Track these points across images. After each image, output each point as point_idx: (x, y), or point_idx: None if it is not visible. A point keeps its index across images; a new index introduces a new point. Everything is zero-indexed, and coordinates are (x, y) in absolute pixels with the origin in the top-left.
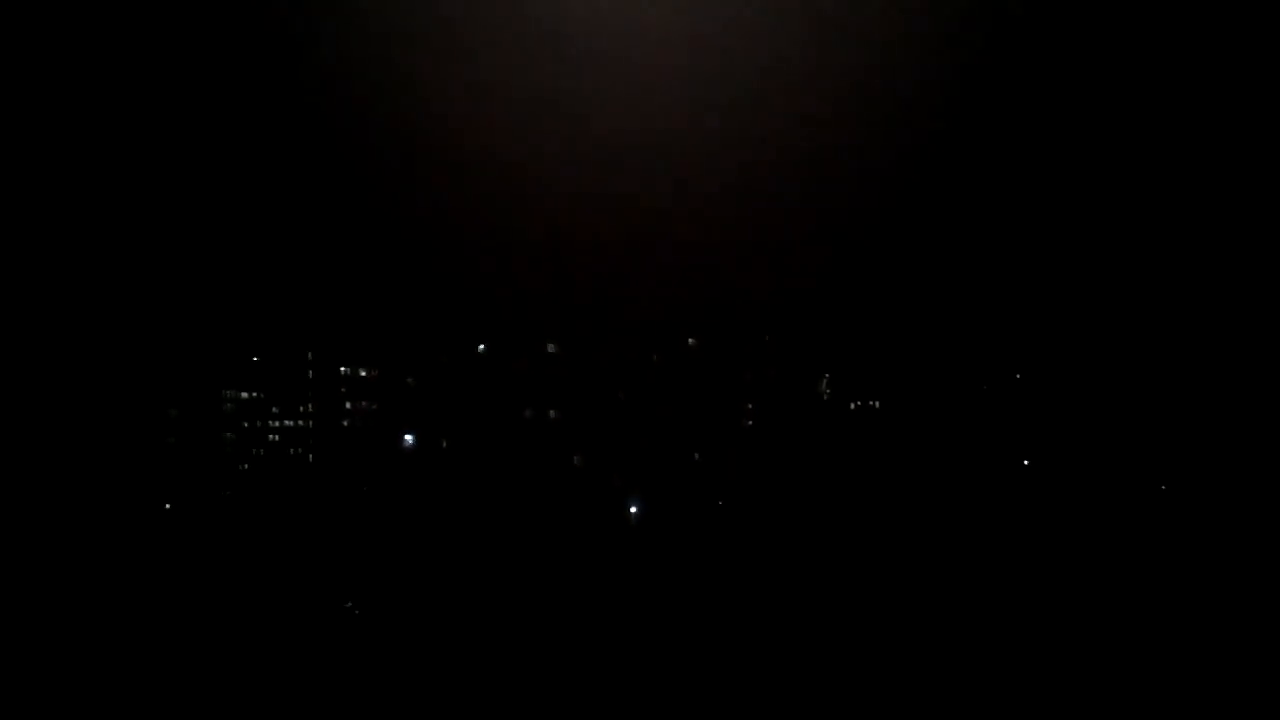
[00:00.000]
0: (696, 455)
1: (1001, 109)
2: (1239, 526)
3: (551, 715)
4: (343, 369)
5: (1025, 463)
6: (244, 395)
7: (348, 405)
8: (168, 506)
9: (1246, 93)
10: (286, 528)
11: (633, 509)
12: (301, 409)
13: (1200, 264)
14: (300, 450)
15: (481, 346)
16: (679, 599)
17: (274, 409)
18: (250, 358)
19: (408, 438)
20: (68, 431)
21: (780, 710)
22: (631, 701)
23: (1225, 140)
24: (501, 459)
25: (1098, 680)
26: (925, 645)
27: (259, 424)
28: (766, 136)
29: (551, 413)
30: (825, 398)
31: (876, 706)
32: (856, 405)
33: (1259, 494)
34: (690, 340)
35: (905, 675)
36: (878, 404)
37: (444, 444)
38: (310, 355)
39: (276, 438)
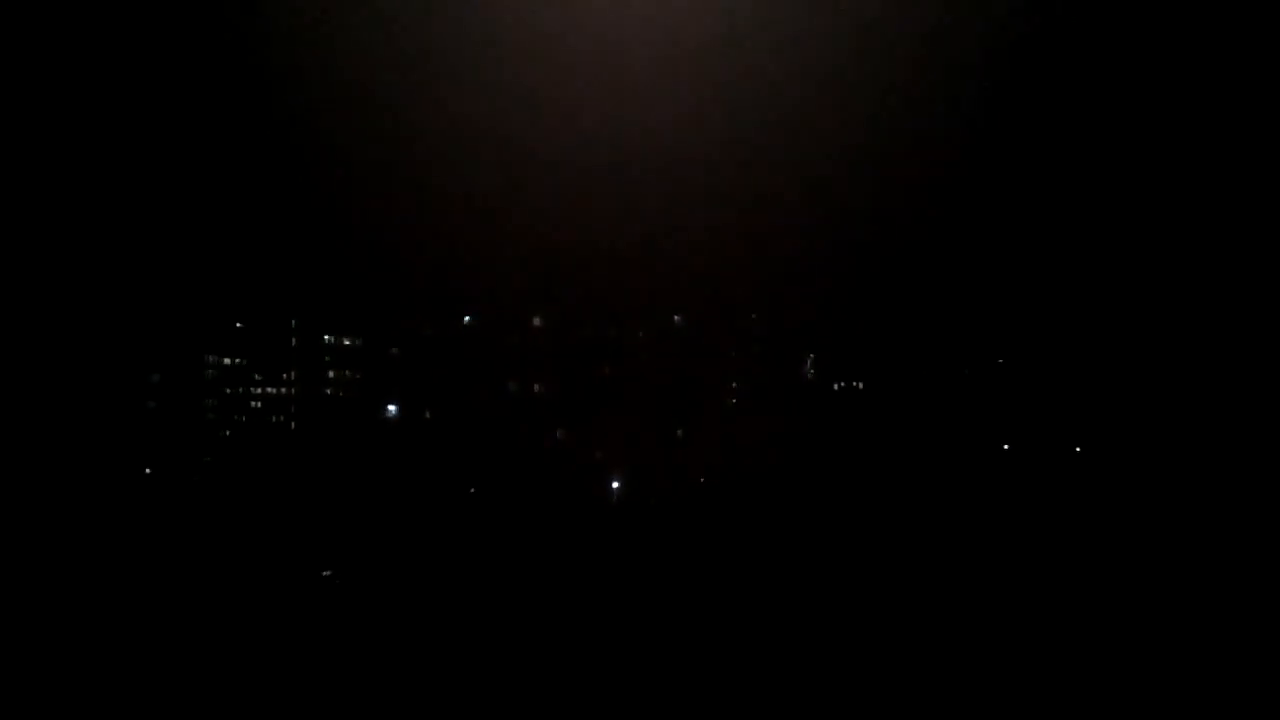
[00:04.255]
0: (680, 432)
1: (986, 103)
2: (1216, 514)
3: (532, 688)
4: (326, 337)
5: (1005, 447)
6: (226, 361)
7: (330, 374)
8: (148, 471)
9: (1243, 93)
10: (267, 495)
11: (615, 484)
12: (284, 376)
13: (1178, 256)
14: (282, 418)
15: (467, 318)
16: (660, 574)
17: (256, 376)
18: (233, 323)
19: (390, 408)
20: (49, 395)
21: (761, 686)
22: (613, 674)
23: (1188, 137)
24: (485, 431)
25: (1066, 664)
26: (906, 623)
27: (241, 390)
28: (755, 122)
29: (536, 386)
30: (809, 378)
31: (857, 687)
32: (840, 386)
33: (1234, 482)
34: (676, 318)
35: (884, 652)
36: (861, 385)
37: (427, 415)
38: (294, 322)
39: (258, 405)
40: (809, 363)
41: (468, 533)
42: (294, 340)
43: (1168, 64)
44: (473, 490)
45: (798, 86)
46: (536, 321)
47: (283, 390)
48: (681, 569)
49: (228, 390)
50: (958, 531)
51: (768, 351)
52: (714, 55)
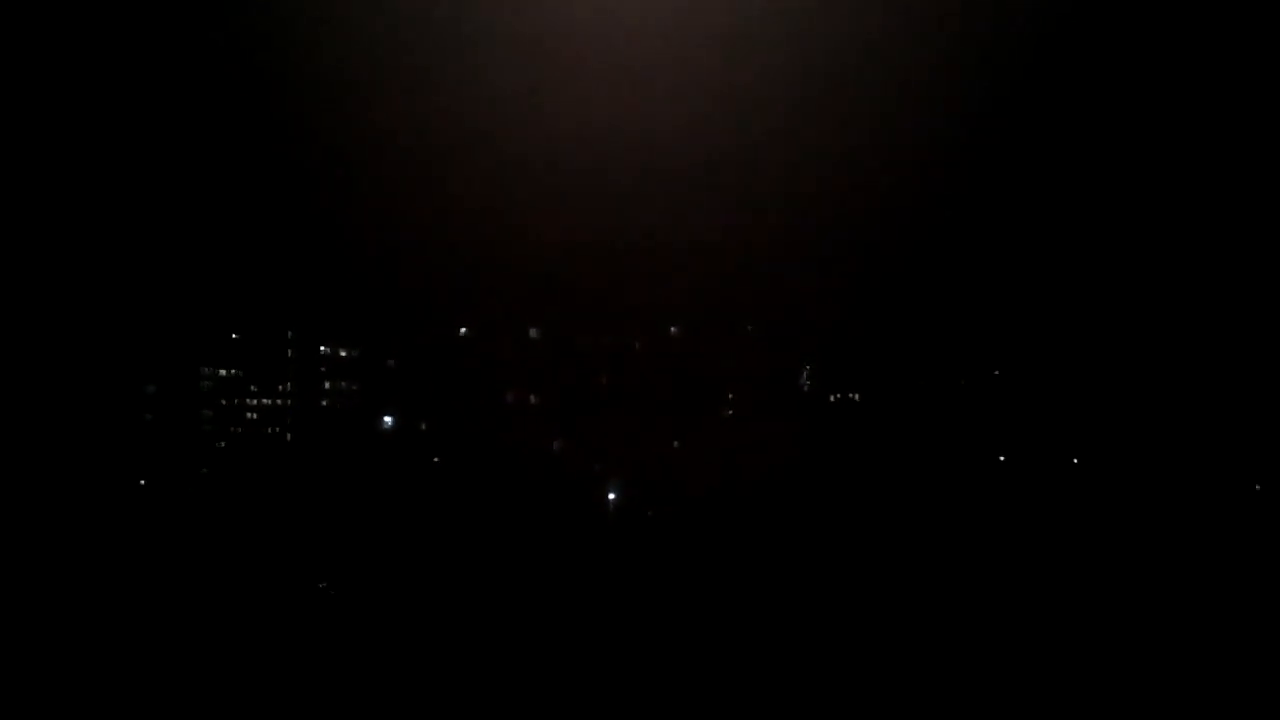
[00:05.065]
0: (676, 443)
1: (983, 107)
2: (1216, 524)
3: (531, 701)
4: (323, 348)
5: (1001, 458)
6: (222, 373)
7: (327, 385)
8: (143, 482)
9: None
10: (263, 506)
11: (611, 495)
12: (280, 388)
13: (1176, 266)
14: (278, 429)
15: (463, 330)
16: (656, 586)
17: (252, 387)
18: (230, 335)
19: (387, 419)
20: (44, 407)
21: (759, 697)
22: (611, 685)
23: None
24: (481, 443)
25: (1064, 675)
26: (904, 634)
27: (237, 402)
28: (753, 133)
29: (532, 398)
30: (806, 389)
31: (854, 698)
32: (836, 398)
33: (1234, 492)
34: (672, 329)
35: (882, 664)
36: (857, 397)
37: (423, 426)
38: (290, 334)
39: (254, 416)
40: (805, 374)
41: (464, 544)
42: (290, 351)
43: (1175, 75)
44: (469, 501)
45: (800, 96)
46: (533, 332)
47: (279, 401)
48: (679, 580)
49: (224, 402)
50: (955, 542)
51: (764, 362)
52: (715, 63)
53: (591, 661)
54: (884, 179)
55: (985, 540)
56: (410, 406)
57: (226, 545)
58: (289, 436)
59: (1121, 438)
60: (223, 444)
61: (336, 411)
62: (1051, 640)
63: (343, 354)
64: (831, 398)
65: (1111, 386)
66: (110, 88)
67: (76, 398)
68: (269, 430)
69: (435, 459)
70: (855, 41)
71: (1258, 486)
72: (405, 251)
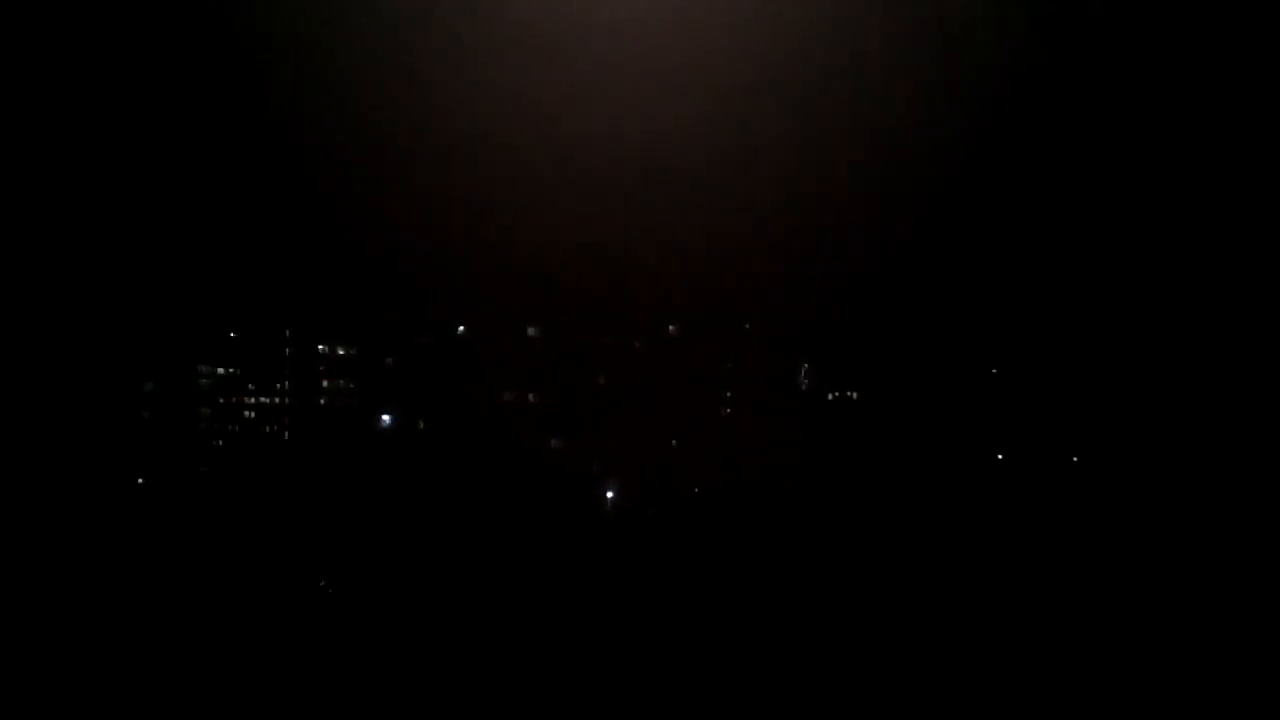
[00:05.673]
0: (674, 442)
1: (983, 107)
2: (1216, 524)
3: (529, 702)
4: (321, 347)
5: (1000, 457)
6: (220, 371)
7: (325, 384)
8: (140, 481)
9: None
10: (260, 505)
11: (609, 495)
12: (278, 386)
13: (1177, 263)
14: (276, 428)
15: (461, 328)
16: (654, 586)
17: (250, 385)
18: (227, 333)
19: (385, 418)
20: (42, 405)
21: (753, 696)
22: (609, 686)
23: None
24: (479, 442)
25: (1063, 675)
26: (903, 634)
27: (235, 400)
28: (751, 130)
29: (530, 396)
30: (804, 388)
31: (853, 699)
32: (835, 396)
33: (1235, 492)
34: (671, 328)
35: (881, 664)
36: (855, 395)
37: (421, 425)
38: (288, 332)
39: (252, 414)
40: (804, 372)
41: (462, 543)
42: (288, 350)
43: (1175, 75)
44: (467, 500)
45: (800, 97)
46: (531, 331)
47: (277, 400)
48: (677, 580)
49: (221, 400)
50: (953, 541)
51: (762, 361)
52: (715, 63)
53: (590, 661)
54: (883, 179)
55: (984, 539)
56: (408, 405)
57: (224, 544)
58: (287, 435)
59: (1121, 436)
60: (220, 442)
61: (334, 410)
62: (1051, 639)
63: (341, 352)
64: (829, 396)
65: (1111, 385)
66: (108, 86)
67: (74, 395)
68: (267, 429)
69: (433, 458)
70: (856, 41)
71: (1256, 485)
72: (404, 250)
